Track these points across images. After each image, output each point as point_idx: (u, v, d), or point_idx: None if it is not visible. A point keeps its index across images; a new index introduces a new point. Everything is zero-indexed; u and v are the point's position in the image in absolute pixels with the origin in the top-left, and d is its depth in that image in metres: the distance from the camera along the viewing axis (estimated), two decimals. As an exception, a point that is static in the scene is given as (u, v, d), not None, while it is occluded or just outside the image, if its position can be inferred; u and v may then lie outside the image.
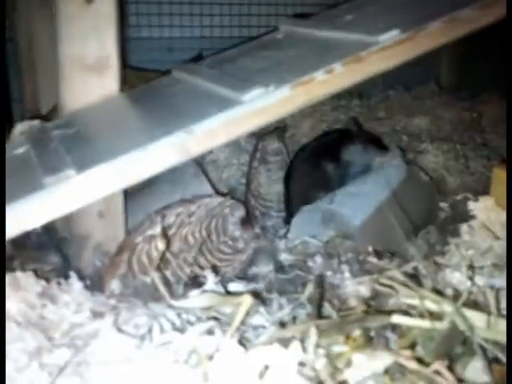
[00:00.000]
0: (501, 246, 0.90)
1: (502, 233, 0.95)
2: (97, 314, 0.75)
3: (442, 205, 1.45)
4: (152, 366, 0.63)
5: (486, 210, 0.97)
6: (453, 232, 1.21)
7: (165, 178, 1.19)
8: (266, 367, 0.60)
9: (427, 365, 0.61)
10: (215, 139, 0.81)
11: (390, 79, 2.15)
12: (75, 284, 0.81)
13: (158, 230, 0.96)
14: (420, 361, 0.62)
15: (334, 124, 1.87)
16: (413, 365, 0.59)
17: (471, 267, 0.88)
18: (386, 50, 0.89)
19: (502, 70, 2.10)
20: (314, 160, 1.44)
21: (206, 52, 1.78)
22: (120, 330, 0.70)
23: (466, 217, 1.32)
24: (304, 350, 0.62)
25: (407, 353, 0.61)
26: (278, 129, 1.57)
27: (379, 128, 1.88)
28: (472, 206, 0.99)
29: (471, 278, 0.81)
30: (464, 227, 1.00)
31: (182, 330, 0.71)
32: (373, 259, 0.95)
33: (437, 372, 0.58)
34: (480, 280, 0.83)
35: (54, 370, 0.65)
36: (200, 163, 1.43)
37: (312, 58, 0.95)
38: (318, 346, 0.64)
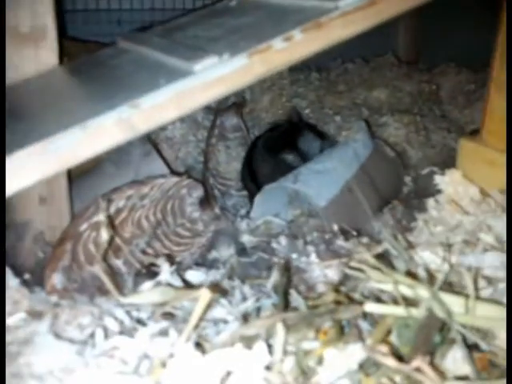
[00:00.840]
0: (471, 222, 0.85)
1: (471, 207, 0.90)
2: (34, 315, 0.67)
3: (406, 179, 1.41)
4: (95, 377, 0.55)
5: (453, 183, 0.92)
6: (419, 207, 1.17)
7: (114, 158, 1.11)
8: (228, 373, 0.54)
9: (405, 359, 0.55)
10: (165, 114, 0.73)
11: (348, 52, 2.11)
12: (10, 280, 0.72)
13: (100, 218, 0.87)
14: (397, 355, 0.56)
15: (294, 98, 1.82)
16: (391, 362, 0.53)
17: (441, 245, 0.83)
18: (347, 16, 0.83)
19: (458, 41, 2.09)
20: (274, 152, 1.38)
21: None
22: (60, 334, 0.62)
23: (431, 191, 1.29)
24: (270, 350, 0.56)
25: (384, 348, 0.55)
26: (236, 104, 1.51)
27: (339, 102, 1.84)
28: (438, 179, 0.94)
29: (444, 258, 0.76)
30: (431, 202, 0.95)
31: (131, 331, 0.63)
32: (340, 242, 0.88)
33: (417, 369, 0.53)
34: (451, 258, 0.78)
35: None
36: (154, 141, 1.36)
37: (268, 26, 0.88)
38: (285, 342, 0.57)
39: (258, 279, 0.86)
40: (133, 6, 1.97)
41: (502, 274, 0.73)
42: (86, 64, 1.01)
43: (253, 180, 1.35)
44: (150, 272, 0.89)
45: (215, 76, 0.75)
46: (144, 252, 1.01)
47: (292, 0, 0.93)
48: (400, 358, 0.56)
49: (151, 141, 1.32)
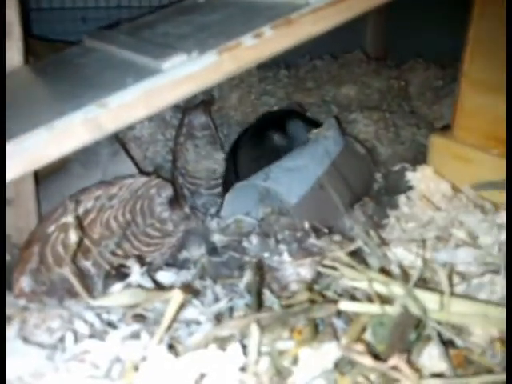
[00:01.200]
0: (443, 218, 0.86)
1: (442, 203, 0.90)
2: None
3: (376, 176, 1.42)
4: (66, 382, 0.53)
5: (424, 179, 0.92)
6: (390, 204, 1.17)
7: (82, 158, 1.09)
8: (202, 376, 0.53)
9: (381, 357, 0.55)
10: (133, 113, 0.71)
11: (316, 49, 2.12)
12: (-23, 285, 0.70)
13: (69, 220, 0.85)
14: (373, 353, 0.55)
15: (263, 95, 1.82)
16: (367, 361, 0.53)
17: (414, 241, 0.83)
18: (318, 13, 0.82)
19: (426, 37, 2.11)
20: (261, 133, 1.39)
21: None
22: (28, 338, 0.60)
23: (402, 188, 1.29)
24: (245, 350, 0.55)
25: (360, 347, 0.55)
26: (205, 102, 1.49)
27: (308, 99, 1.84)
28: (410, 175, 0.94)
29: (417, 254, 0.76)
30: (402, 198, 0.95)
31: (102, 334, 0.62)
32: (312, 240, 0.88)
33: (394, 367, 0.52)
34: (425, 254, 0.78)
35: None
36: (122, 141, 1.33)
37: (238, 22, 0.86)
38: (260, 343, 0.57)
39: (230, 279, 0.85)
40: (98, 4, 1.93)
41: (475, 269, 0.73)
42: (52, 63, 0.99)
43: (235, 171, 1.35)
44: (120, 273, 0.87)
45: (184, 74, 0.74)
46: (114, 253, 0.99)
47: (263, -4, 0.91)
48: (376, 356, 0.56)
49: (119, 140, 1.30)
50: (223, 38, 0.78)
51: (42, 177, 1.04)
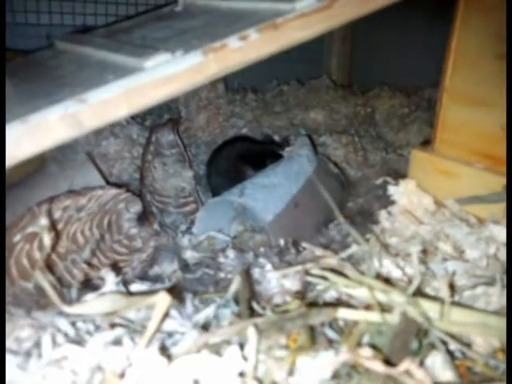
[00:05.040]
0: (427, 232, 0.84)
1: (425, 217, 0.88)
2: (-34, 329, 0.59)
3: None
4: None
5: (407, 193, 0.90)
6: (364, 223, 1.15)
7: (48, 166, 1.04)
8: (196, 381, 0.48)
9: (391, 364, 0.51)
10: (115, 110, 0.67)
11: (282, 75, 2.13)
12: None
13: (42, 223, 0.80)
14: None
15: (230, 117, 1.80)
16: (378, 366, 0.49)
17: (398, 255, 0.80)
18: (304, 18, 0.80)
19: (391, 65, 2.15)
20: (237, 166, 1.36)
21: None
22: (-2, 347, 0.55)
23: (374, 208, 1.28)
24: (243, 355, 0.51)
25: (367, 352, 0.51)
26: (172, 120, 1.48)
27: (277, 122, 1.85)
28: (392, 190, 0.91)
29: (423, 264, 0.73)
30: (383, 214, 0.93)
31: (79, 343, 0.56)
32: (292, 254, 0.85)
33: (406, 372, 0.49)
34: (410, 268, 0.76)
35: None
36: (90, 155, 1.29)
37: (222, 26, 0.84)
38: (258, 348, 0.53)
39: (207, 294, 0.81)
40: (64, 22, 1.89)
41: (466, 281, 0.71)
42: (21, 66, 0.94)
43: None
44: (91, 286, 0.82)
45: (168, 73, 0.71)
46: (81, 268, 0.94)
47: (246, 3, 0.89)
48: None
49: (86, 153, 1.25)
50: (207, 40, 0.75)
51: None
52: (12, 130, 0.62)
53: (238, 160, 1.37)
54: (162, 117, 1.76)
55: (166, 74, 0.70)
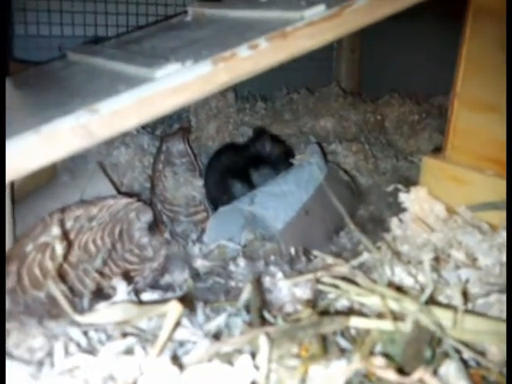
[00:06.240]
0: (439, 239, 0.83)
1: (437, 225, 0.88)
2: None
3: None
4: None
5: (418, 200, 0.89)
6: (380, 227, 1.15)
7: (60, 176, 1.04)
8: (209, 390, 0.48)
9: (404, 373, 0.51)
10: (126, 120, 0.68)
11: (292, 83, 2.14)
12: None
13: (54, 233, 0.80)
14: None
15: (241, 126, 1.80)
16: (391, 375, 0.49)
17: (410, 262, 0.80)
18: (313, 26, 0.80)
19: (401, 73, 2.15)
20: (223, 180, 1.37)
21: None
22: (10, 356, 0.55)
23: (385, 216, 1.28)
24: (254, 365, 0.51)
25: (380, 361, 0.51)
26: (182, 129, 1.49)
27: (286, 130, 1.84)
28: (403, 197, 0.91)
29: (436, 272, 0.73)
30: (394, 221, 0.92)
31: (91, 352, 0.57)
32: (303, 263, 0.84)
33: (420, 381, 0.49)
34: (422, 276, 0.75)
35: None
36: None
37: (232, 35, 0.84)
38: (270, 357, 0.52)
39: (218, 303, 0.81)
40: (75, 33, 1.91)
41: (479, 289, 0.70)
42: (33, 76, 0.95)
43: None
44: (103, 296, 0.82)
45: (178, 83, 0.71)
46: (92, 278, 0.94)
47: (254, 12, 0.90)
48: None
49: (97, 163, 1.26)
50: (217, 49, 0.76)
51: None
52: (24, 141, 0.62)
53: (224, 173, 1.37)
54: (173, 126, 1.77)
55: (176, 84, 0.71)
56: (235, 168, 1.37)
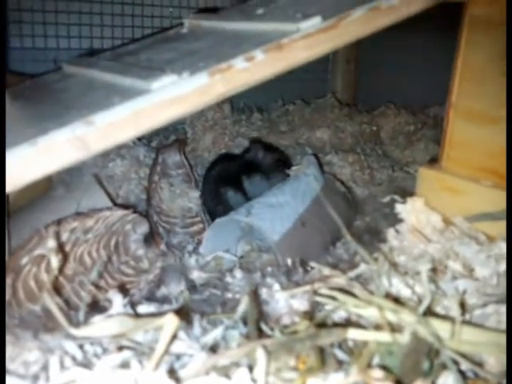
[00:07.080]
0: (437, 250, 0.83)
1: (434, 236, 0.87)
2: (-26, 352, 0.59)
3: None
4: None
5: (415, 211, 0.89)
6: (371, 242, 1.15)
7: (56, 188, 1.04)
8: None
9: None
10: (122, 132, 0.67)
11: (288, 94, 2.15)
12: None
13: (49, 245, 0.80)
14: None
15: (236, 137, 1.80)
16: (389, 387, 0.49)
17: (407, 273, 0.80)
18: (309, 38, 0.81)
19: (396, 84, 2.16)
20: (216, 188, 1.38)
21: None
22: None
23: (382, 227, 1.28)
24: (252, 378, 0.50)
25: (378, 373, 0.50)
26: (178, 141, 1.49)
27: (282, 141, 1.85)
28: (400, 208, 0.91)
29: (433, 283, 0.72)
30: (391, 232, 0.92)
31: (86, 366, 0.56)
32: (300, 274, 0.84)
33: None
34: (419, 287, 0.75)
35: None
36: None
37: (228, 47, 0.84)
38: (267, 370, 0.52)
39: (215, 315, 0.80)
40: (70, 46, 1.91)
41: (476, 300, 0.70)
42: (29, 88, 0.95)
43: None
44: (98, 308, 0.82)
45: (175, 95, 0.71)
46: (88, 290, 0.93)
47: (251, 24, 0.90)
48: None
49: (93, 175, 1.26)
50: (214, 61, 0.76)
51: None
52: (20, 153, 0.62)
53: (217, 182, 1.38)
54: (169, 138, 1.78)
55: (172, 96, 0.71)
56: (227, 176, 1.38)
